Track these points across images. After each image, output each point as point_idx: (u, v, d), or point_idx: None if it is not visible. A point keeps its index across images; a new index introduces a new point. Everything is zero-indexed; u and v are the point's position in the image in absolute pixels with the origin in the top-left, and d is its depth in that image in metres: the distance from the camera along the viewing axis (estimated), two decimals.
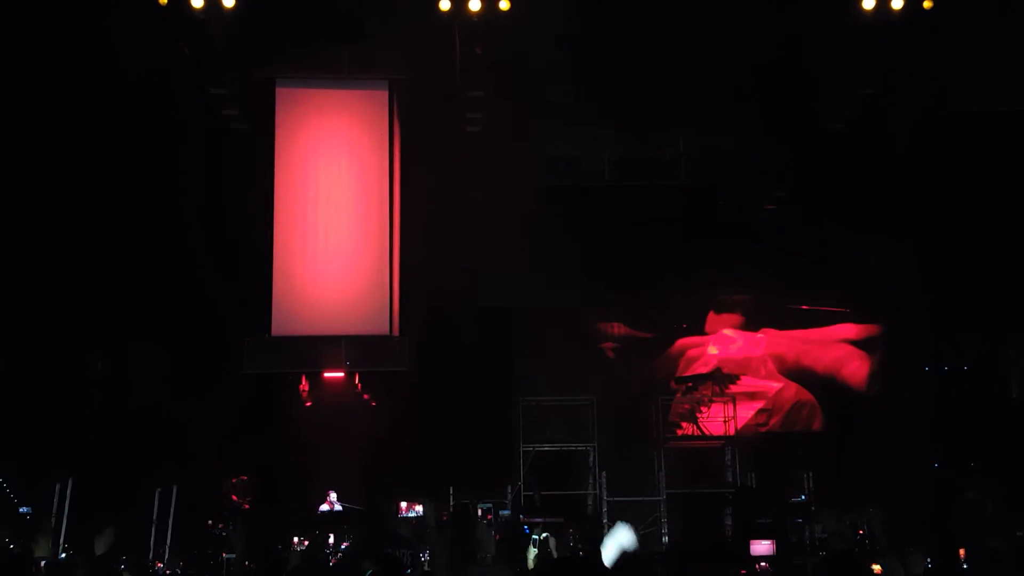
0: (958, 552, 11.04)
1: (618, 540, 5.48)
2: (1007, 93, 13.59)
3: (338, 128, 14.00)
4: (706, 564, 4.03)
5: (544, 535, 13.16)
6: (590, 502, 16.60)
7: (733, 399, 17.75)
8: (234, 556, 7.07)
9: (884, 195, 15.86)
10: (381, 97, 14.03)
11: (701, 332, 18.69)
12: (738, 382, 18.19)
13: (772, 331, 18.68)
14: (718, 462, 17.18)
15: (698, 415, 17.23)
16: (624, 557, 5.45)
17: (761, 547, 7.56)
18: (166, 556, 12.23)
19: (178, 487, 13.55)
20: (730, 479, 16.95)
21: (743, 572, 3.93)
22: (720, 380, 17.71)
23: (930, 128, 14.07)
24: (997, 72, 13.48)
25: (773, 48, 12.95)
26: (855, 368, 18.47)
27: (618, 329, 18.41)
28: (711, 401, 17.45)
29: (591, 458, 16.80)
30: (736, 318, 18.72)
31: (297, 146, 13.85)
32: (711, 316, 18.68)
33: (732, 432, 17.24)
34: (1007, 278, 16.09)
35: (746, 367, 18.48)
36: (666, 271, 17.29)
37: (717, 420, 17.49)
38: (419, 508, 12.58)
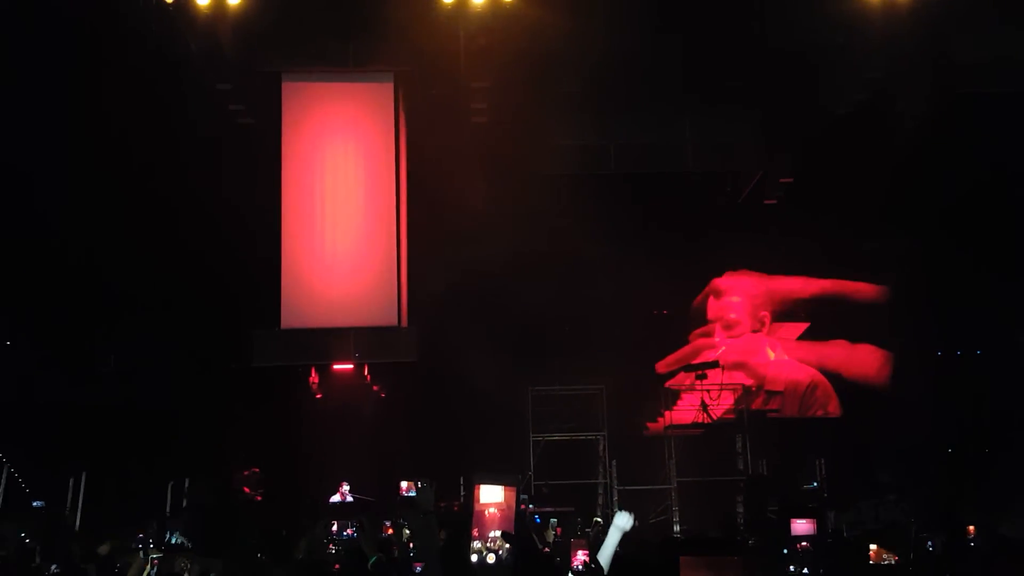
0: (967, 530, 11.11)
1: (616, 525, 5.49)
2: (1014, 75, 13.48)
3: (344, 121, 14.06)
4: (698, 553, 4.04)
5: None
6: (600, 491, 16.59)
7: (745, 388, 17.75)
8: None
9: (893, 180, 15.76)
10: (387, 89, 14.08)
11: (706, 321, 18.70)
12: (746, 368, 18.19)
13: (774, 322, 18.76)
14: (729, 449, 17.14)
15: (708, 402, 17.19)
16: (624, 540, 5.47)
17: (800, 526, 7.52)
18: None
19: (190, 480, 13.64)
20: (741, 467, 16.91)
21: (734, 559, 3.95)
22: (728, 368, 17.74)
23: (938, 111, 13.96)
24: (1004, 54, 13.38)
25: (779, 34, 12.89)
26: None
27: (626, 316, 18.39)
28: (721, 388, 17.44)
29: (601, 447, 16.80)
30: (741, 306, 18.75)
31: (304, 139, 13.91)
32: (711, 301, 18.74)
33: (743, 419, 17.23)
34: (1019, 262, 15.99)
35: (753, 356, 18.48)
36: (672, 259, 17.25)
37: (727, 407, 17.47)
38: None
